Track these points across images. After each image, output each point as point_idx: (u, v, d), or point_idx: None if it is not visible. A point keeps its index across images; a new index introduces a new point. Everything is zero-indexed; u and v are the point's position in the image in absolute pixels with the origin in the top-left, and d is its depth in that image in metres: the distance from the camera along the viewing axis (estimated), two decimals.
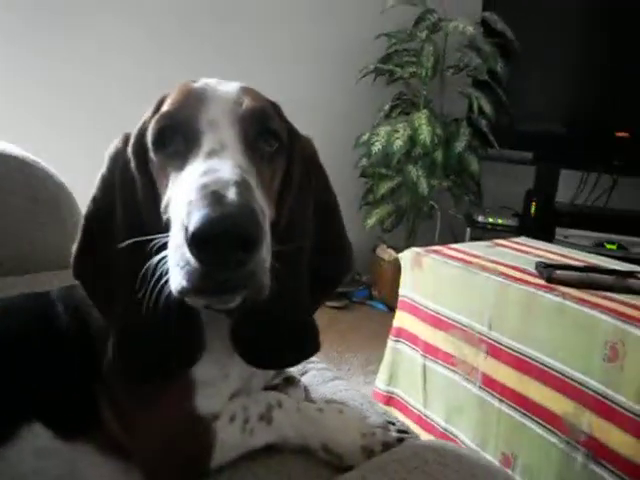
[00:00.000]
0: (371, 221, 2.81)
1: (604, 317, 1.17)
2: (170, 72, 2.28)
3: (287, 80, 2.52)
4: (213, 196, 0.49)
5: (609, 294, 1.28)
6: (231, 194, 0.50)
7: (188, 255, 0.49)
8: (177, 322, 0.61)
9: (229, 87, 0.66)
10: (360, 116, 2.94)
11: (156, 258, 0.55)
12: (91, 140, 2.23)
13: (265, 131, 0.64)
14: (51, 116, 2.32)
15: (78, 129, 2.36)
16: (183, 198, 0.53)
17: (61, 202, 1.26)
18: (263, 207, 0.54)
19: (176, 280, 0.52)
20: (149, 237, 0.57)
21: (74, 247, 0.67)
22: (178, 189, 0.57)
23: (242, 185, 0.52)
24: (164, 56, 2.51)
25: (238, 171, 0.54)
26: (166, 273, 0.54)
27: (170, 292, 0.54)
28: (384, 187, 2.82)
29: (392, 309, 2.79)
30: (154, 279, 0.55)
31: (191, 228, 0.48)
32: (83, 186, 1.23)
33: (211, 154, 0.57)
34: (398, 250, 2.80)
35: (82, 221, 0.68)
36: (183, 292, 0.52)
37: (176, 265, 0.51)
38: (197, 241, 0.48)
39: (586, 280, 1.33)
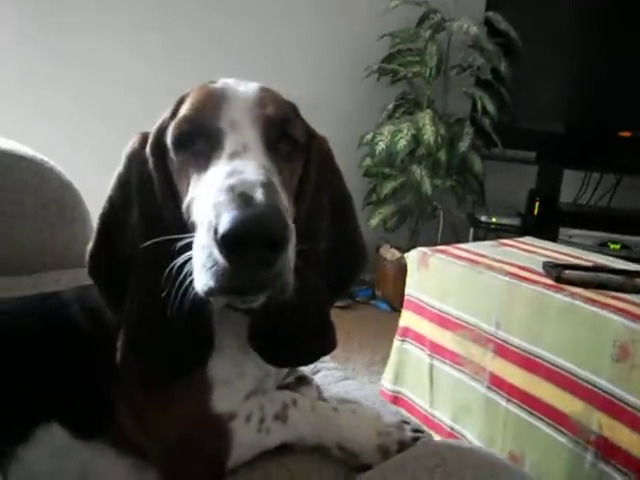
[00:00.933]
0: (374, 221, 2.81)
1: (614, 317, 1.17)
2: (175, 72, 2.29)
3: (291, 80, 2.51)
4: (241, 197, 0.50)
5: (618, 294, 1.28)
6: (259, 195, 0.50)
7: (217, 256, 0.50)
8: (189, 321, 0.61)
9: (248, 87, 0.66)
10: (363, 116, 2.94)
11: (181, 258, 0.55)
12: (97, 141, 2.26)
13: (285, 131, 0.65)
14: (58, 116, 2.32)
15: (85, 130, 2.37)
16: (209, 199, 0.53)
17: (69, 202, 1.26)
18: (287, 207, 0.54)
19: (202, 280, 0.52)
20: (173, 237, 0.57)
21: (89, 245, 0.67)
22: (202, 190, 0.57)
23: (268, 186, 0.52)
24: (170, 56, 2.52)
25: (263, 172, 0.55)
26: (190, 274, 0.54)
27: (192, 291, 0.54)
28: (387, 187, 2.82)
29: (395, 309, 2.80)
30: (179, 279, 0.55)
31: (221, 230, 0.48)
32: (90, 186, 1.24)
33: (234, 155, 0.58)
34: (401, 250, 2.81)
35: (98, 219, 0.68)
36: (210, 292, 0.52)
37: (202, 265, 0.51)
38: (227, 242, 0.48)
39: (595, 280, 1.33)
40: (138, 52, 2.47)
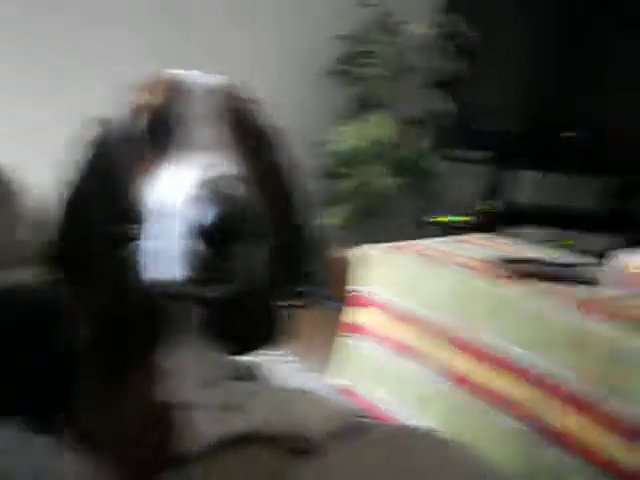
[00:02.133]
0: (331, 221, 2.82)
1: (566, 308, 1.21)
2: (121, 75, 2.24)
3: (245, 83, 2.51)
4: (218, 191, 0.52)
5: (570, 286, 1.32)
6: (234, 189, 0.53)
7: (192, 247, 0.52)
8: (145, 310, 0.62)
9: (212, 79, 0.68)
10: (320, 117, 2.93)
11: (148, 246, 0.57)
12: (47, 135, 2.19)
13: (248, 124, 0.67)
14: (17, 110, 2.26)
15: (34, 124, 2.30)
16: (181, 191, 0.54)
17: (13, 197, 1.22)
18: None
19: (173, 270, 0.54)
20: (135, 225, 0.58)
21: (48, 234, 0.67)
22: (173, 182, 0.58)
23: (242, 179, 0.55)
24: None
25: (234, 165, 0.57)
26: (156, 262, 0.56)
27: (158, 280, 0.56)
28: (344, 187, 2.83)
29: None
30: (144, 267, 0.57)
31: (200, 222, 0.51)
32: (41, 182, 1.21)
33: (202, 148, 0.59)
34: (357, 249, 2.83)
35: (57, 208, 0.67)
36: (181, 282, 0.54)
37: (175, 256, 0.53)
38: (207, 235, 0.51)
39: (547, 272, 1.37)
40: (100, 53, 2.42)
